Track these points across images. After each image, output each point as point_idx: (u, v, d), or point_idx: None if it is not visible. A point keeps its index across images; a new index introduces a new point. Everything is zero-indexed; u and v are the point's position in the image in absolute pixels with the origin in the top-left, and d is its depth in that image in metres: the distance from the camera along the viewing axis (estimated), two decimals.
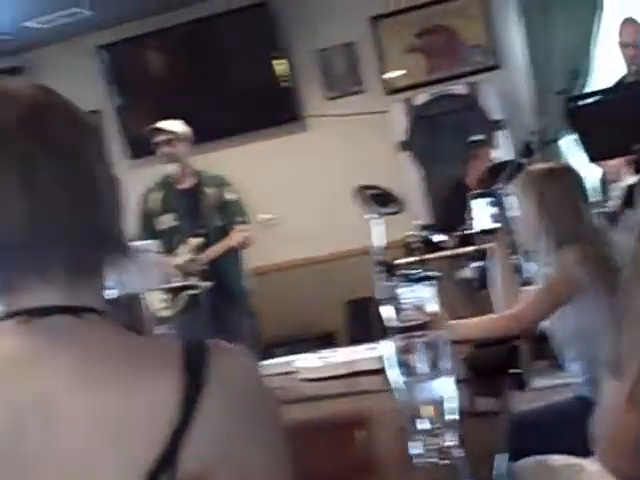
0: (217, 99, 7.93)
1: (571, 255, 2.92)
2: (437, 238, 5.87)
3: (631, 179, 5.21)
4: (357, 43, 7.78)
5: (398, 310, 2.36)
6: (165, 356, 1.21)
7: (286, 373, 3.17)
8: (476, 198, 3.30)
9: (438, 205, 7.18)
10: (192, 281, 5.77)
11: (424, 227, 6.25)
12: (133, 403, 1.16)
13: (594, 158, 5.17)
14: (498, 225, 3.27)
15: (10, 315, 1.24)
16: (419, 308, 2.38)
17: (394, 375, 2.25)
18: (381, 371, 2.55)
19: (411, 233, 5.86)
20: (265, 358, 7.05)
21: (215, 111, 7.91)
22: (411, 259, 5.73)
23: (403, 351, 2.30)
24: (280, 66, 7.78)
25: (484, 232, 3.29)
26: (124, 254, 1.30)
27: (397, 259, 5.78)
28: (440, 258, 5.87)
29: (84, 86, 8.02)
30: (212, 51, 7.96)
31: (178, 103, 7.71)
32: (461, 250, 5.74)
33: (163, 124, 5.95)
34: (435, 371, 2.21)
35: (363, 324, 7.11)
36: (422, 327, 2.25)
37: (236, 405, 1.20)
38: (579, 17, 7.05)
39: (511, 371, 2.60)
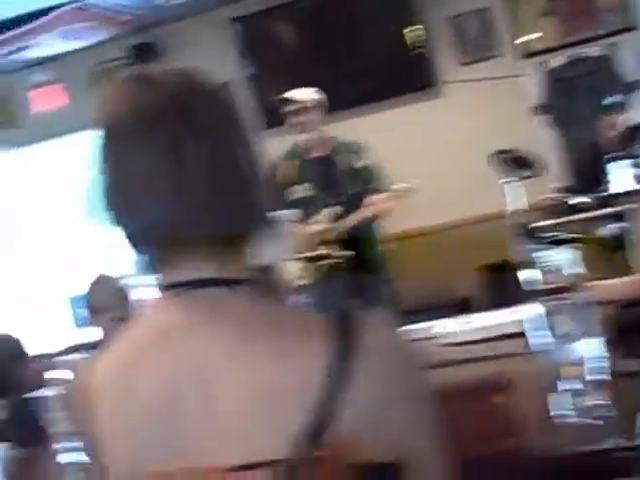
0: (350, 68, 7.98)
1: None
2: (575, 200, 5.77)
3: None
4: (490, 8, 7.73)
5: (540, 273, 2.36)
6: (313, 325, 1.25)
7: (426, 339, 3.17)
8: (614, 160, 3.19)
9: (574, 168, 7.12)
10: (329, 250, 5.74)
11: (561, 190, 6.14)
12: (286, 370, 1.20)
13: None
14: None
15: (165, 288, 1.32)
16: (561, 271, 2.38)
17: (538, 337, 2.26)
18: (521, 335, 2.55)
19: (548, 196, 5.80)
20: (404, 324, 7.10)
21: (348, 80, 7.95)
22: (549, 222, 5.66)
23: (547, 313, 2.39)
24: (414, 33, 7.80)
25: (626, 193, 3.15)
26: (267, 227, 1.36)
27: (534, 222, 5.74)
28: (578, 220, 5.77)
29: (215, 59, 8.09)
30: (344, 20, 8.00)
31: (310, 73, 7.75)
32: (599, 212, 5.60)
33: (291, 94, 5.94)
34: (580, 332, 2.24)
35: (499, 289, 7.18)
36: (565, 290, 2.25)
37: (383, 370, 1.22)
38: None
39: None
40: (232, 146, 1.32)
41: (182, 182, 1.25)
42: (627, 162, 3.19)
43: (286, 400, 1.19)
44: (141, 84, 1.31)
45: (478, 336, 2.93)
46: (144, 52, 8.40)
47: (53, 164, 9.04)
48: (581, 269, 2.74)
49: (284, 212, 5.68)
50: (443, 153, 7.83)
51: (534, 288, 2.46)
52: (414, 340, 3.14)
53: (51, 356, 3.70)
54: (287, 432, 1.18)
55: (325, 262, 5.82)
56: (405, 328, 3.17)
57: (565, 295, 2.35)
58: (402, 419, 1.23)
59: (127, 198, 1.29)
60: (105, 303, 3.85)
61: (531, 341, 2.40)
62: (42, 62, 8.55)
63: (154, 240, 1.31)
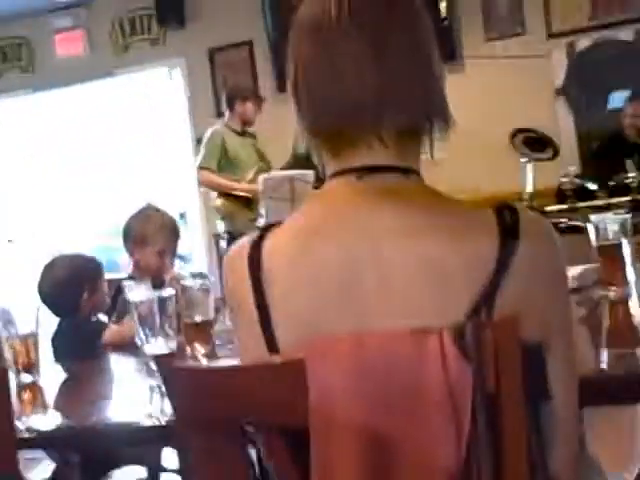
0: None
1: None
2: (591, 186, 5.68)
3: None
4: None
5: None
6: (482, 216, 1.37)
7: None
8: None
9: (593, 154, 6.95)
10: None
11: (577, 175, 6.04)
12: (456, 251, 1.32)
13: None
14: None
15: (345, 171, 1.43)
16: None
17: None
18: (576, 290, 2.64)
19: (564, 180, 5.71)
20: None
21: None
22: (563, 206, 5.61)
23: None
24: (441, 4, 7.65)
25: None
26: (447, 123, 1.48)
27: (549, 206, 5.66)
28: (592, 207, 5.67)
29: (240, 16, 8.18)
30: None
31: None
32: (615, 200, 5.51)
33: None
34: None
35: None
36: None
37: (540, 264, 1.36)
38: None
39: None
40: (428, 45, 1.45)
41: (385, 70, 1.38)
42: None
43: (455, 278, 1.32)
44: None
45: None
46: (169, 3, 8.33)
47: (69, 111, 9.07)
48: None
49: (306, 172, 5.71)
50: (461, 129, 7.62)
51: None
52: None
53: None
54: (456, 305, 1.32)
55: None
56: None
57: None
58: (547, 299, 1.38)
59: (333, 79, 1.40)
60: (152, 235, 3.76)
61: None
62: (67, 7, 8.50)
63: (345, 120, 1.40)
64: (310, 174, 5.73)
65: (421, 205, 1.40)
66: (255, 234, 1.46)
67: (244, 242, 1.46)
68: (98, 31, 8.60)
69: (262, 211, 5.92)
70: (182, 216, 8.38)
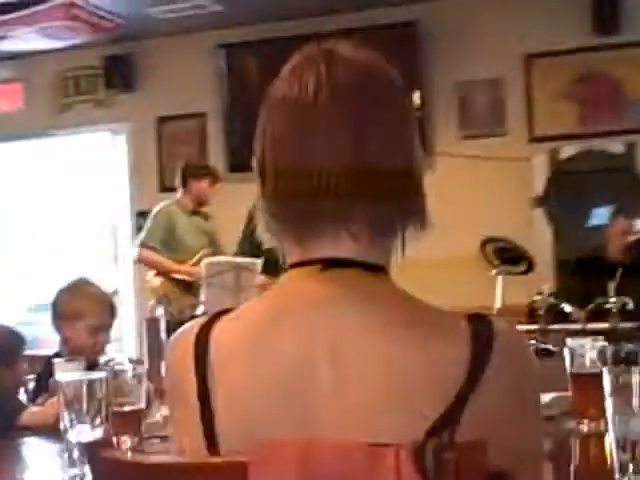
0: None
1: None
2: (567, 309, 5.50)
3: None
4: (504, 80, 7.53)
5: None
6: (452, 323, 1.32)
7: None
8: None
9: (571, 272, 6.83)
10: None
11: (552, 294, 5.85)
12: (420, 359, 1.27)
13: None
14: None
15: (307, 262, 1.39)
16: None
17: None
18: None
19: (537, 298, 5.53)
20: None
21: None
22: (534, 327, 5.40)
23: None
24: (416, 95, 7.46)
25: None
26: (424, 221, 1.43)
27: (519, 324, 5.45)
28: (567, 331, 5.47)
29: (194, 85, 8.15)
30: None
31: None
32: (592, 326, 5.29)
33: None
34: None
35: None
36: None
37: (514, 382, 1.31)
38: None
39: None
40: (410, 140, 1.41)
41: (361, 155, 1.34)
42: None
43: (418, 389, 1.26)
44: (330, 59, 1.42)
45: None
46: (118, 66, 8.28)
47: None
48: None
49: (252, 261, 5.83)
50: (429, 231, 7.43)
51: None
52: None
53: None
54: (418, 421, 1.25)
55: None
56: None
57: None
58: (518, 422, 1.33)
59: (304, 161, 1.36)
60: (85, 310, 3.67)
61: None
62: (11, 57, 8.39)
63: (312, 206, 1.35)
64: (257, 263, 5.80)
65: (387, 306, 1.36)
66: (203, 320, 1.43)
67: (191, 328, 1.43)
68: (38, 86, 8.51)
69: (203, 297, 5.97)
70: (114, 294, 8.13)
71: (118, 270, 8.27)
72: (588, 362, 2.35)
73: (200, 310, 5.95)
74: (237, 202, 5.86)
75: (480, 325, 1.31)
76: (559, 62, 7.31)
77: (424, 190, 1.43)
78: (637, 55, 7.12)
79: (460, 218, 7.24)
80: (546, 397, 2.69)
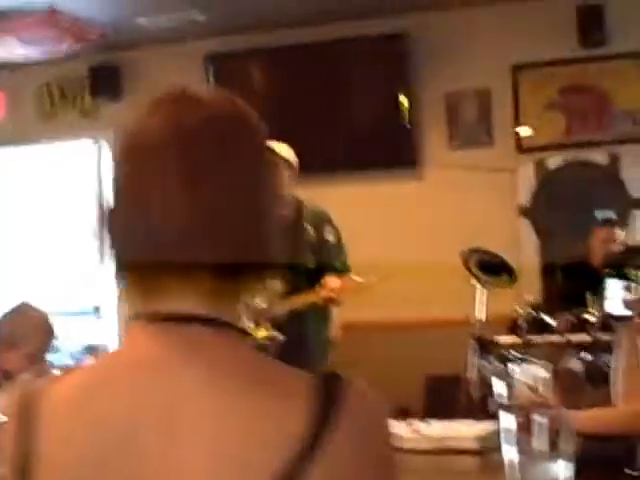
0: (329, 130, 7.84)
1: None
2: (548, 320, 5.57)
3: None
4: (492, 90, 7.62)
5: (510, 387, 2.42)
6: (297, 384, 1.26)
7: None
8: (611, 278, 3.03)
9: (554, 283, 6.89)
10: (263, 328, 5.47)
11: (534, 305, 5.93)
12: (259, 426, 1.21)
13: None
14: (630, 313, 3.01)
15: (147, 317, 1.32)
16: (533, 388, 2.40)
17: (509, 453, 2.31)
18: (478, 452, 2.70)
19: (519, 310, 5.60)
20: None
21: (324, 143, 7.77)
22: (514, 339, 5.52)
23: (521, 429, 2.39)
24: (404, 105, 7.64)
25: (614, 318, 2.99)
26: (276, 267, 1.38)
27: (500, 335, 5.58)
28: (547, 343, 5.54)
29: None
30: (330, 77, 7.87)
31: (282, 128, 7.53)
32: (573, 337, 5.38)
33: (272, 145, 5.60)
34: (554, 452, 2.25)
35: (442, 403, 6.91)
36: (541, 407, 2.32)
37: (362, 447, 1.24)
38: None
39: (627, 471, 2.50)
40: (255, 187, 1.35)
41: (197, 205, 1.28)
42: (623, 284, 3.03)
43: (253, 456, 1.21)
44: (184, 99, 1.38)
45: (431, 446, 2.91)
46: (104, 75, 8.32)
47: None
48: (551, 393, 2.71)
49: None
50: (415, 241, 7.64)
51: (504, 402, 2.47)
52: None
53: None
54: None
55: (258, 340, 5.58)
56: None
57: (542, 410, 2.37)
58: None
59: (141, 211, 1.31)
60: (22, 337, 3.70)
61: (503, 457, 2.44)
62: None
63: (149, 258, 1.31)
64: None
65: (227, 369, 1.29)
66: (42, 381, 1.40)
67: (26, 387, 1.39)
68: (23, 95, 8.55)
69: None
70: (96, 310, 8.33)
71: (102, 278, 8.22)
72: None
73: None
74: None
75: (329, 387, 1.26)
76: (545, 73, 7.41)
77: (273, 235, 1.37)
78: (621, 67, 7.23)
79: (447, 227, 7.46)
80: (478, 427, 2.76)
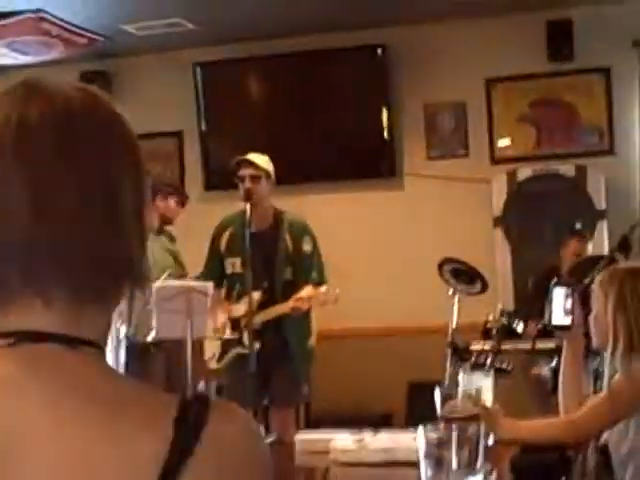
0: (311, 140, 7.99)
1: None
2: (519, 328, 5.79)
3: None
4: (468, 103, 7.83)
5: (445, 399, 2.37)
6: (157, 408, 1.16)
7: (320, 452, 2.99)
8: (557, 286, 3.17)
9: (525, 290, 7.13)
10: (243, 338, 5.70)
11: (507, 312, 6.13)
12: (110, 452, 1.11)
13: None
14: (569, 322, 3.10)
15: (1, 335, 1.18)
16: (470, 398, 2.42)
17: (424, 469, 2.25)
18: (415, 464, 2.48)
19: (492, 318, 5.79)
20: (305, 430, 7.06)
21: (305, 152, 7.97)
22: (487, 346, 5.67)
23: (437, 444, 2.31)
24: (385, 116, 7.83)
25: (556, 327, 3.15)
26: (142, 287, 1.24)
27: (475, 342, 5.75)
28: (517, 350, 5.80)
29: (171, 103, 8.33)
30: (314, 87, 8.01)
31: (269, 137, 7.82)
32: (541, 344, 5.63)
33: (254, 157, 5.85)
34: (469, 469, 2.22)
35: (425, 409, 7.15)
36: (468, 420, 2.23)
37: (223, 474, 1.14)
38: None
39: None
40: (115, 192, 1.20)
41: (45, 217, 1.15)
42: (565, 292, 3.16)
43: None
44: (30, 92, 1.21)
45: (373, 458, 2.78)
46: (95, 81, 8.19)
47: None
48: (493, 401, 2.89)
49: (205, 284, 5.72)
50: (394, 250, 7.85)
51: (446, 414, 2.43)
52: (308, 452, 3.04)
53: None
54: None
55: (237, 350, 5.79)
56: (305, 436, 3.08)
57: (461, 425, 2.35)
58: None
59: None
60: None
61: (422, 471, 2.37)
62: None
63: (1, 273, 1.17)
64: (209, 287, 5.71)
65: (82, 391, 1.16)
66: None
67: None
68: None
69: (154, 323, 5.83)
70: None
71: None
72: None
73: (152, 335, 5.92)
74: (213, 221, 6.20)
75: (191, 411, 1.15)
76: (517, 87, 7.64)
77: (134, 247, 1.23)
78: (589, 82, 7.47)
79: (426, 236, 7.69)
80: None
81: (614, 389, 2.85)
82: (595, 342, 3.08)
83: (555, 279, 3.79)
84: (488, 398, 2.81)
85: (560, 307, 3.12)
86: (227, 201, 6.68)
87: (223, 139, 8.16)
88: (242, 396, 5.49)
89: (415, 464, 2.44)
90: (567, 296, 3.11)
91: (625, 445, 2.82)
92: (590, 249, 6.77)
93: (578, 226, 6.91)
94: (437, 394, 2.36)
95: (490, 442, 2.48)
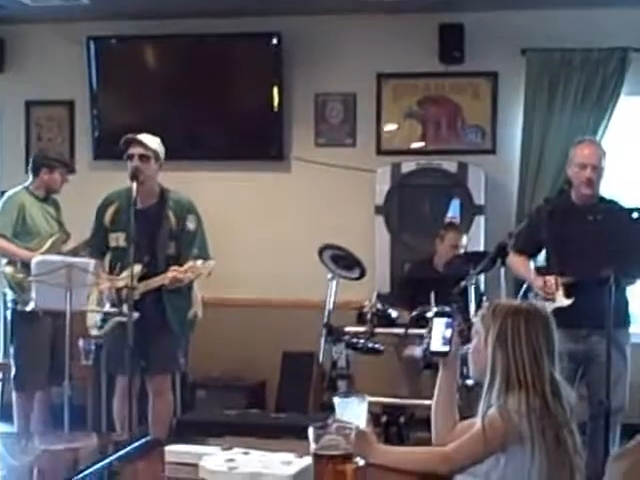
0: (203, 119, 7.99)
1: (516, 403, 2.81)
2: (394, 314, 5.91)
3: (565, 302, 5.35)
4: (358, 95, 7.89)
5: (318, 436, 2.32)
6: None
7: (192, 464, 2.75)
8: (437, 317, 3.23)
9: (400, 278, 7.26)
10: (123, 308, 5.70)
11: (383, 297, 6.27)
12: None
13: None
14: (447, 349, 3.09)
15: None
16: (343, 430, 2.35)
17: None
18: None
19: (368, 302, 5.89)
20: (185, 408, 7.11)
21: (197, 130, 8.00)
22: (362, 329, 5.78)
23: None
24: (276, 102, 7.85)
25: (434, 353, 3.19)
26: None
27: (350, 323, 5.84)
28: (389, 334, 5.92)
29: (64, 73, 8.23)
30: (209, 69, 7.99)
31: (161, 113, 7.83)
32: (413, 331, 5.75)
33: (144, 137, 5.86)
34: None
35: (297, 377, 7.28)
36: (341, 458, 2.29)
37: None
38: (582, 125, 7.22)
39: None
40: None
41: None
42: (446, 321, 3.19)
43: None
44: None
45: None
46: None
47: None
48: (367, 427, 2.82)
49: (87, 261, 5.77)
50: (279, 230, 7.91)
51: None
52: (178, 463, 2.82)
53: None
54: None
55: (118, 319, 5.77)
56: (173, 448, 2.90)
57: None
58: None
59: None
60: None
61: None
62: None
63: None
64: (91, 264, 5.74)
65: None
66: None
67: None
68: None
69: (33, 294, 5.86)
70: None
71: None
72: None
73: (31, 306, 5.95)
74: (100, 190, 6.15)
75: None
76: (407, 84, 7.73)
77: None
78: (477, 85, 7.64)
79: (310, 219, 7.80)
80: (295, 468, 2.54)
81: (488, 425, 2.82)
82: (472, 373, 3.11)
83: (435, 310, 3.93)
84: (362, 422, 2.76)
85: (439, 335, 3.14)
86: (115, 171, 6.66)
87: (113, 111, 8.09)
88: (120, 362, 5.68)
89: None
90: (447, 326, 3.14)
91: (495, 475, 2.82)
92: (465, 241, 6.87)
93: (453, 219, 7.06)
94: (310, 430, 2.35)
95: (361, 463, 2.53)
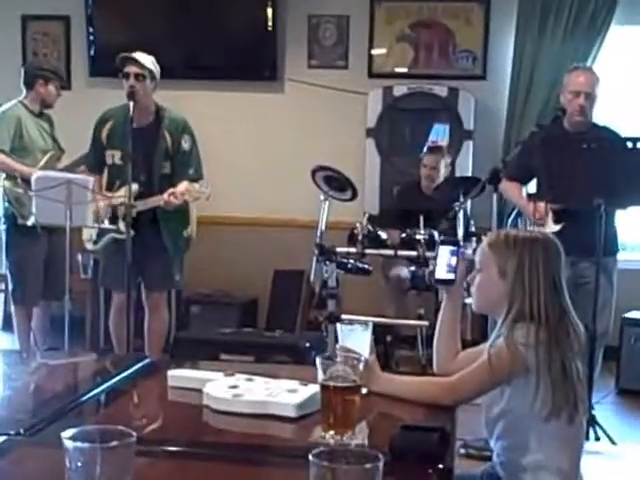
0: (196, 37, 7.84)
1: (525, 334, 2.70)
2: (383, 235, 5.85)
3: (555, 227, 5.32)
4: (351, 17, 7.74)
5: (326, 366, 2.24)
6: None
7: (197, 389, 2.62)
8: (443, 245, 3.11)
9: (390, 199, 7.21)
10: (119, 226, 5.69)
11: (373, 218, 6.22)
12: None
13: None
14: (452, 277, 2.98)
15: None
16: (351, 361, 2.28)
17: None
18: (295, 420, 2.40)
19: (358, 224, 5.83)
20: (180, 324, 7.08)
21: (192, 49, 7.85)
22: (352, 249, 5.73)
23: None
24: (270, 22, 7.69)
25: (439, 281, 3.08)
26: None
27: (340, 244, 5.79)
28: (379, 255, 5.87)
29: None
30: None
31: (153, 32, 7.68)
32: (402, 252, 5.70)
33: (139, 56, 5.72)
34: None
35: (288, 294, 7.24)
36: (349, 390, 2.20)
37: None
38: (572, 53, 7.07)
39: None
40: None
41: None
42: (450, 249, 3.07)
43: None
44: None
45: (248, 410, 2.48)
46: None
47: None
48: (371, 355, 2.73)
49: (85, 178, 5.73)
50: (272, 150, 7.83)
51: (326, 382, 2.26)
52: (182, 388, 2.72)
53: None
54: None
55: (114, 235, 5.77)
56: (176, 373, 2.79)
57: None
58: None
59: None
60: None
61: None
62: None
63: None
64: (90, 181, 5.70)
65: None
66: None
67: None
68: None
69: (34, 209, 5.83)
70: None
71: None
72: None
73: (31, 220, 5.95)
74: (96, 107, 6.12)
75: None
76: (400, 7, 7.59)
77: None
78: (469, 9, 7.49)
79: (303, 139, 7.71)
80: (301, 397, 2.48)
81: (495, 355, 2.71)
82: (477, 307, 2.97)
83: (442, 238, 3.82)
84: (365, 350, 2.62)
85: (444, 263, 3.03)
86: (111, 87, 6.57)
87: (109, 28, 7.90)
88: (117, 278, 5.65)
89: (290, 419, 2.39)
90: (453, 254, 3.03)
91: (497, 407, 2.73)
92: (444, 164, 6.80)
93: (434, 142, 6.95)
94: (318, 361, 2.25)
95: (364, 391, 2.43)
